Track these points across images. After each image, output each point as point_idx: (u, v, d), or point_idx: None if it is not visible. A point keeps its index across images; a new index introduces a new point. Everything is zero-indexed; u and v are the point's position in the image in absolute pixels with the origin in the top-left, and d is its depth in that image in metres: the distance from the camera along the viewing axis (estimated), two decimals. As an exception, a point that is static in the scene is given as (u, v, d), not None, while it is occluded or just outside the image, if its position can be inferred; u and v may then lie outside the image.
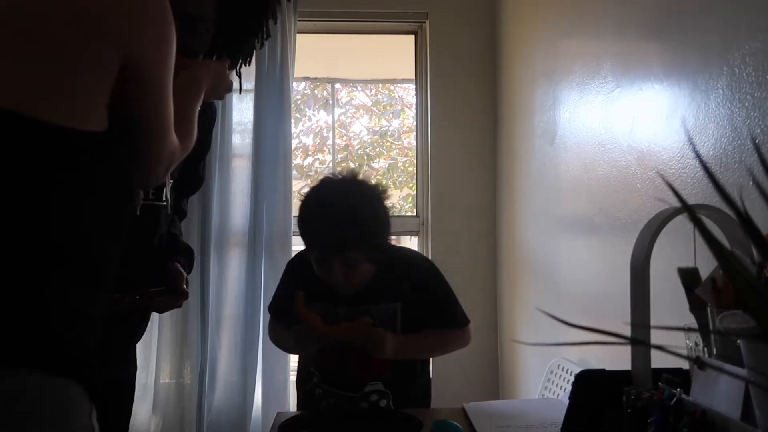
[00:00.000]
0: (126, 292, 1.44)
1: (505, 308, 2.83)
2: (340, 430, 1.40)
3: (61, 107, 0.89)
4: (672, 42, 1.48)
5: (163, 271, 1.60)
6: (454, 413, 1.50)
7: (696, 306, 0.97)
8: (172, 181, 1.59)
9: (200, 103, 1.29)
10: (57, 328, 0.89)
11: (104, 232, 0.95)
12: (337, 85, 3.66)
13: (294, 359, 2.89)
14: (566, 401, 1.13)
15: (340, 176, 1.58)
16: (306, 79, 3.50)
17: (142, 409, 2.81)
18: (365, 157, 3.96)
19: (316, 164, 3.97)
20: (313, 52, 3.17)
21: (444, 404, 1.69)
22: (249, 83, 2.90)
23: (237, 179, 2.88)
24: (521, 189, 2.66)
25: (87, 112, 0.91)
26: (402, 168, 3.92)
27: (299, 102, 3.72)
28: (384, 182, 3.39)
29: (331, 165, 3.65)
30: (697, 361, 0.93)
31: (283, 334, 1.69)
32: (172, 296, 1.60)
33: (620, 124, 1.73)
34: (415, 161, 3.20)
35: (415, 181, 3.21)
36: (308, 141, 3.90)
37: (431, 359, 1.94)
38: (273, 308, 1.80)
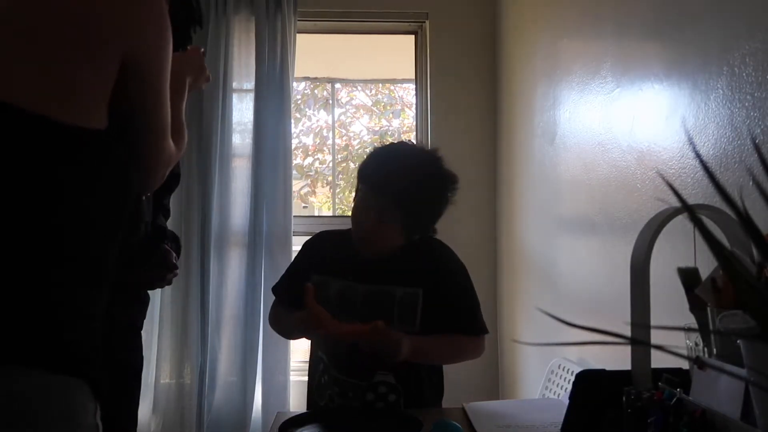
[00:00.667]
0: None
1: (505, 308, 2.83)
2: (340, 429, 1.40)
3: (66, 105, 0.89)
4: (672, 42, 1.48)
5: (153, 252, 1.61)
6: (454, 413, 1.50)
7: (696, 306, 0.97)
8: None
9: (186, 98, 1.28)
10: (61, 326, 0.89)
11: (105, 230, 0.95)
12: (337, 85, 3.66)
13: (294, 360, 2.91)
14: (566, 401, 1.12)
15: (431, 148, 1.61)
16: (306, 79, 3.51)
17: (142, 409, 2.81)
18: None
19: (316, 164, 3.98)
20: (313, 52, 3.17)
21: (444, 404, 1.69)
22: (249, 83, 2.91)
23: (237, 179, 2.88)
24: (521, 189, 2.66)
25: (89, 110, 0.91)
26: (402, 168, 3.91)
27: (299, 102, 3.72)
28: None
29: (331, 165, 3.65)
30: (697, 361, 0.93)
31: (284, 316, 1.64)
32: (163, 270, 1.61)
33: (620, 124, 1.73)
34: (415, 161, 3.19)
35: (415, 181, 3.20)
36: (308, 141, 3.90)
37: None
38: (278, 288, 1.73)
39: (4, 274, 0.85)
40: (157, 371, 2.80)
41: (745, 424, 0.81)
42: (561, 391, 2.03)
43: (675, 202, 0.67)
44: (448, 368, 1.69)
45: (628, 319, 0.99)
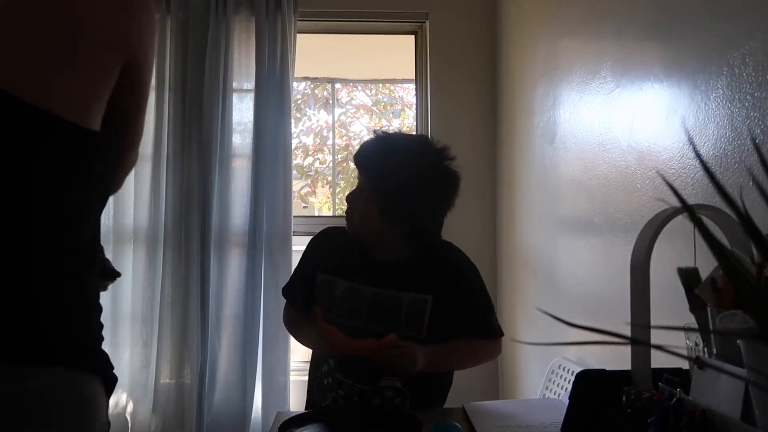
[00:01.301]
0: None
1: (505, 308, 2.83)
2: (340, 429, 1.40)
3: (70, 104, 0.89)
4: (672, 42, 1.48)
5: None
6: (454, 413, 1.50)
7: (696, 306, 0.97)
8: None
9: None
10: (75, 321, 0.89)
11: (96, 226, 0.96)
12: (337, 85, 3.66)
13: (294, 360, 2.91)
14: (566, 401, 1.12)
15: (435, 141, 1.60)
16: (306, 79, 3.51)
17: (142, 409, 2.82)
18: (365, 157, 3.95)
19: (316, 164, 3.98)
20: (313, 52, 3.17)
21: (444, 404, 1.69)
22: (249, 83, 2.91)
23: (237, 179, 2.88)
24: (521, 189, 2.66)
25: (91, 112, 0.92)
26: (402, 168, 3.91)
27: (299, 102, 3.72)
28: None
29: (331, 165, 3.65)
30: (697, 361, 0.93)
31: (301, 327, 1.63)
32: (105, 279, 1.61)
33: (620, 124, 1.73)
34: (415, 161, 3.19)
35: (415, 181, 3.20)
36: (308, 141, 3.90)
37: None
38: (288, 290, 1.72)
39: (16, 271, 0.85)
40: (157, 371, 2.80)
41: (745, 424, 0.81)
42: (561, 391, 2.03)
43: (675, 202, 0.67)
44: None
45: (628, 319, 0.99)
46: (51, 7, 0.89)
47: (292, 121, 2.94)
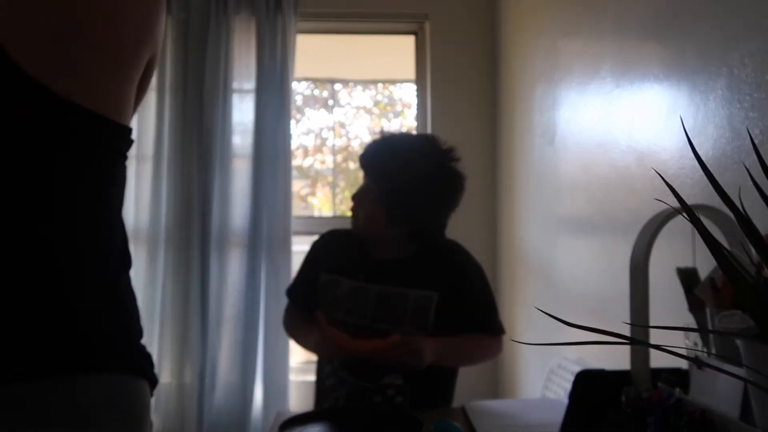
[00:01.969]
0: None
1: (504, 308, 2.83)
2: (339, 428, 1.40)
3: (119, 106, 0.89)
4: (671, 43, 1.48)
5: None
6: (454, 413, 1.50)
7: (695, 306, 0.97)
8: None
9: None
10: (125, 326, 0.89)
11: (122, 227, 0.95)
12: (337, 85, 3.66)
13: (294, 360, 2.91)
14: (566, 401, 1.13)
15: (440, 141, 1.60)
16: (306, 79, 3.51)
17: (142, 409, 2.82)
18: (365, 157, 3.95)
19: (316, 164, 3.98)
20: (314, 53, 3.17)
21: (450, 403, 1.69)
22: (249, 83, 2.91)
23: (237, 179, 2.88)
24: (521, 189, 2.66)
25: (127, 109, 0.91)
26: (402, 168, 3.91)
27: (299, 102, 3.72)
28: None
29: (331, 166, 3.66)
30: (696, 361, 0.93)
31: (301, 328, 1.63)
32: None
33: (620, 124, 1.73)
34: (415, 161, 3.20)
35: (415, 181, 3.20)
36: (308, 141, 3.90)
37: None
38: (292, 291, 1.72)
39: (61, 274, 0.83)
40: (157, 371, 2.80)
41: (744, 424, 0.81)
42: (561, 391, 2.03)
43: (674, 203, 0.67)
44: (447, 368, 1.69)
45: (628, 319, 0.99)
46: (99, 12, 0.88)
47: (292, 121, 2.94)
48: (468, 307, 1.56)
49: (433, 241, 1.59)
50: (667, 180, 0.63)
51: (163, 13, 0.97)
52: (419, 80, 3.17)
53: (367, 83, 3.90)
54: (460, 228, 3.08)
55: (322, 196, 4.13)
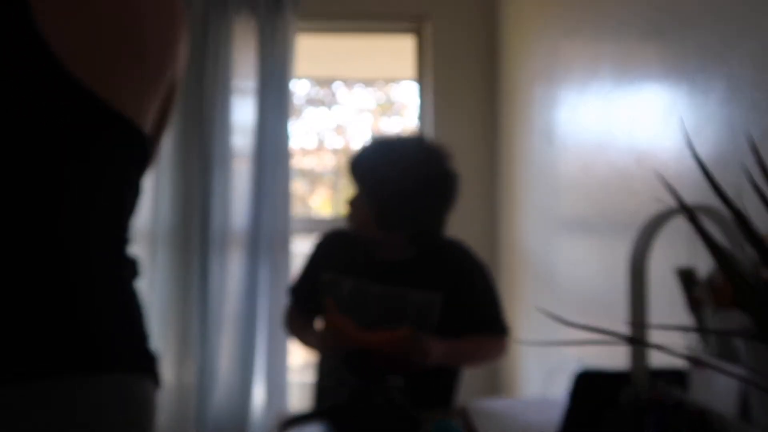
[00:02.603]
0: None
1: (504, 308, 2.83)
2: (339, 428, 1.40)
3: (141, 111, 0.89)
4: (671, 43, 1.48)
5: None
6: (454, 413, 1.50)
7: (694, 306, 0.97)
8: None
9: None
10: (128, 324, 0.89)
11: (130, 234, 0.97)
12: (338, 85, 3.66)
13: (294, 360, 2.91)
14: (566, 401, 1.13)
15: (430, 142, 1.60)
16: (306, 79, 3.51)
17: (142, 409, 2.82)
18: (365, 157, 3.95)
19: (316, 165, 3.98)
20: (314, 52, 3.17)
21: (451, 404, 1.69)
22: (249, 83, 2.91)
23: (237, 179, 2.88)
24: (520, 189, 2.66)
25: (147, 122, 0.92)
26: (402, 168, 3.91)
27: (299, 102, 3.72)
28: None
29: (330, 166, 3.66)
30: (695, 361, 0.94)
31: (302, 328, 1.63)
32: None
33: (619, 124, 1.73)
34: (414, 161, 3.19)
35: (414, 181, 3.20)
36: (308, 142, 3.90)
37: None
38: (294, 291, 1.71)
39: (73, 272, 0.83)
40: (157, 371, 2.80)
41: (744, 423, 0.81)
42: (560, 391, 2.03)
43: (673, 203, 0.67)
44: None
45: (627, 318, 1.00)
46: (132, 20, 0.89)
47: (292, 121, 2.94)
48: (472, 308, 1.56)
49: (433, 243, 1.58)
50: (666, 180, 0.63)
51: (185, 33, 0.97)
52: (419, 80, 3.17)
53: (367, 83, 3.90)
54: (460, 228, 3.09)
55: (322, 197, 4.13)
